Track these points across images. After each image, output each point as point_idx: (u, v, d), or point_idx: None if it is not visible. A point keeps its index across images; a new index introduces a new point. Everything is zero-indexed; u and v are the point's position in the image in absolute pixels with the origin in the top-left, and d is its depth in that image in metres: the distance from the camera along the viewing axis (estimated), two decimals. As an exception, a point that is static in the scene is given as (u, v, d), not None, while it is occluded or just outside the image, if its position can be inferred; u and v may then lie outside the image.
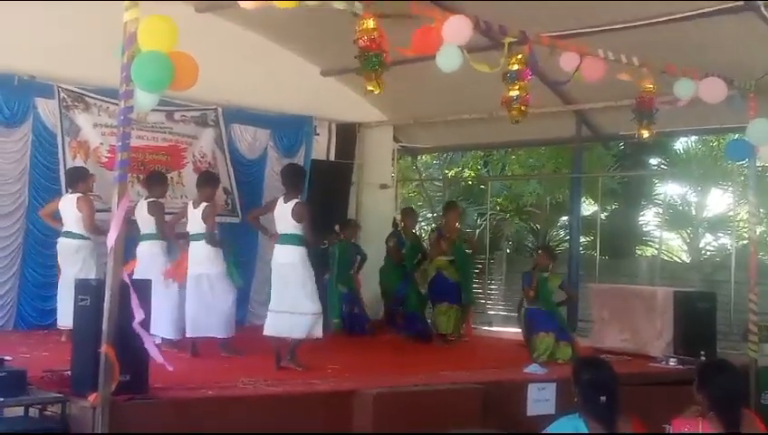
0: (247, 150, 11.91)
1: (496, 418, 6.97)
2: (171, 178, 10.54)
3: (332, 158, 12.96)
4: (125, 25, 5.41)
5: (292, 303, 7.86)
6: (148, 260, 8.81)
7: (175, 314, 8.65)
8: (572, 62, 7.44)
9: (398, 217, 11.85)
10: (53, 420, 5.83)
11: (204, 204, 8.68)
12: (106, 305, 5.38)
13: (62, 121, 10.14)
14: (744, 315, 9.37)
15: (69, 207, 9.11)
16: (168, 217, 9.21)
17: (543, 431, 4.57)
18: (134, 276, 8.15)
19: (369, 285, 11.50)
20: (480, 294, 15.54)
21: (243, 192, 11.58)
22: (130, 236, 8.13)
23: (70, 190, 9.27)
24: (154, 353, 5.73)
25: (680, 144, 19.40)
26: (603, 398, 4.48)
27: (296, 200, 8.05)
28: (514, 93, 7.35)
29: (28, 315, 10.10)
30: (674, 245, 20.00)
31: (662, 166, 19.36)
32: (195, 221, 8.68)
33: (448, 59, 6.71)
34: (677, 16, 9.16)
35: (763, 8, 8.71)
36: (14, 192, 10.08)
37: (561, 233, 19.39)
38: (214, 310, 8.54)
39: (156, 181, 9.35)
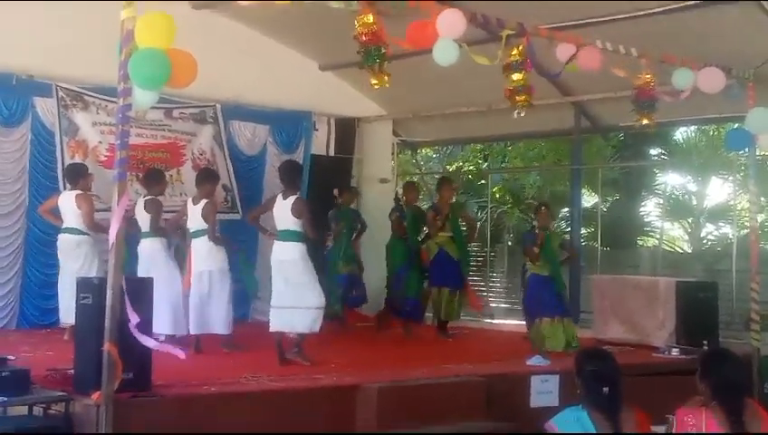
0: (247, 146, 11.91)
1: (500, 410, 6.99)
2: (170, 175, 10.54)
3: (332, 153, 12.96)
4: (122, 23, 5.41)
5: (296, 298, 7.87)
6: (150, 258, 8.84)
7: (177, 310, 8.66)
8: (569, 54, 7.44)
9: (400, 192, 11.83)
10: (57, 418, 5.85)
11: (204, 201, 8.69)
12: (108, 303, 5.38)
13: (61, 121, 10.14)
14: (746, 304, 9.36)
15: (68, 204, 9.11)
16: (168, 216, 9.22)
17: (547, 423, 4.57)
18: (137, 274, 8.34)
19: (372, 281, 11.47)
20: (482, 286, 15.54)
21: (243, 188, 11.57)
22: (131, 235, 8.17)
23: (69, 187, 9.27)
24: (160, 348, 5.70)
25: (680, 134, 19.38)
26: (606, 389, 4.48)
27: (295, 196, 8.04)
28: (519, 83, 7.36)
29: (30, 314, 10.11)
30: (675, 235, 20.00)
31: (662, 156, 19.35)
32: (195, 218, 8.68)
33: (444, 53, 6.71)
34: (675, 6, 9.16)
35: (762, -1, 8.72)
36: (13, 192, 10.10)
37: (563, 224, 19.39)
38: (214, 306, 8.55)
39: (154, 179, 9.35)
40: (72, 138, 10.21)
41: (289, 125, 12.30)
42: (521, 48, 7.28)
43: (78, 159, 10.01)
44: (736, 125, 9.74)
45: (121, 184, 5.51)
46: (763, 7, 8.90)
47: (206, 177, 9.10)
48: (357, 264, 11.21)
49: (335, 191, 11.19)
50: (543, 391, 7.46)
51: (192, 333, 8.54)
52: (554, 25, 8.61)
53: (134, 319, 5.41)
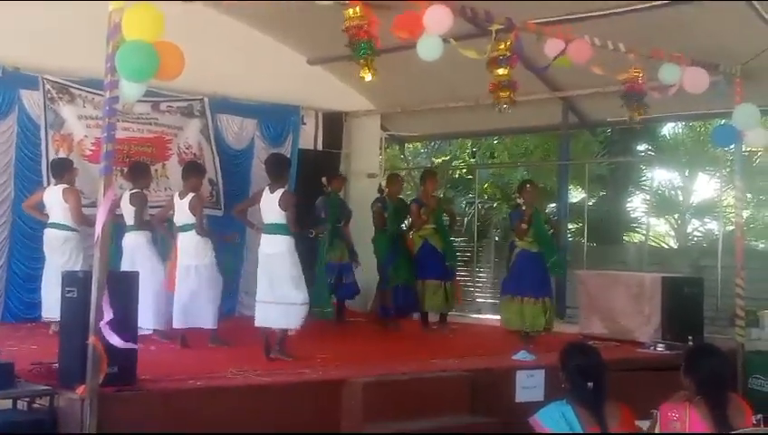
0: (234, 140, 11.88)
1: (485, 405, 7.00)
2: (155, 170, 10.53)
3: (320, 147, 12.93)
4: (109, 15, 5.39)
5: (280, 293, 7.85)
6: (134, 251, 8.82)
7: (161, 304, 8.64)
8: (557, 49, 7.44)
9: (383, 184, 11.81)
10: (42, 412, 5.82)
11: (191, 194, 8.66)
12: (93, 297, 5.36)
13: (46, 114, 10.09)
14: (732, 300, 9.41)
15: (55, 198, 9.07)
16: (153, 211, 9.19)
17: (531, 417, 4.58)
18: (120, 268, 8.31)
19: (361, 276, 11.46)
20: (468, 281, 15.56)
21: (230, 182, 11.57)
22: (117, 229, 8.13)
23: (55, 181, 9.23)
24: (125, 346, 5.58)
25: (667, 130, 19.46)
26: (590, 384, 4.51)
27: (282, 189, 8.03)
28: (504, 78, 7.36)
29: (15, 308, 10.07)
30: (661, 231, 20.08)
31: (649, 152, 19.39)
32: (182, 212, 8.65)
33: (428, 49, 6.71)
34: (662, 3, 9.17)
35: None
36: (-1, 185, 10.06)
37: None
38: (201, 301, 8.53)
39: (139, 172, 9.31)
40: (57, 131, 10.16)
41: (277, 119, 12.27)
42: (508, 43, 7.28)
43: (63, 154, 9.96)
44: (723, 121, 9.77)
45: (107, 178, 5.48)
46: (752, 5, 8.92)
47: (193, 170, 9.08)
48: (348, 251, 11.16)
49: (323, 179, 11.17)
50: (529, 385, 7.47)
51: (176, 327, 8.52)
52: (543, 20, 8.61)
53: (108, 316, 5.36)
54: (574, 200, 17.46)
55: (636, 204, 19.97)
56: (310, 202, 10.83)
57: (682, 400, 4.64)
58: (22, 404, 5.96)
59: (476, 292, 15.80)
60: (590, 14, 9.46)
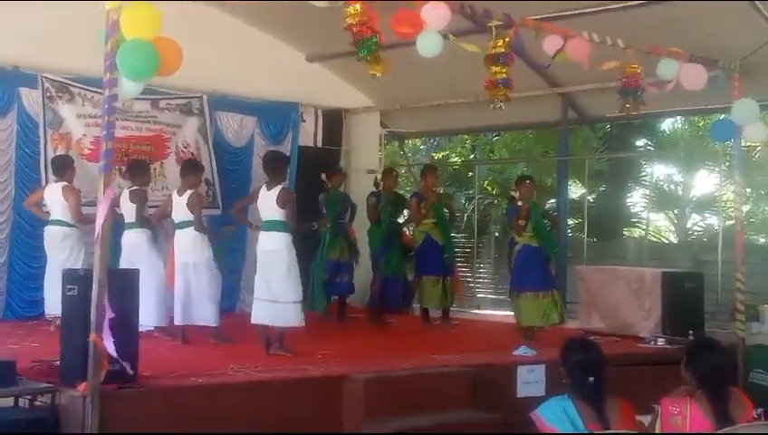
0: (234, 138, 11.89)
1: (486, 400, 7.01)
2: (153, 169, 10.50)
3: (320, 144, 12.94)
4: (108, 13, 5.39)
5: (277, 291, 7.86)
6: (134, 249, 8.83)
7: (162, 301, 8.65)
8: (556, 46, 7.43)
9: (379, 178, 11.82)
10: (43, 409, 5.84)
11: (189, 191, 8.66)
12: (94, 295, 5.37)
13: (45, 113, 10.09)
14: (732, 295, 9.41)
15: (55, 196, 9.09)
16: (151, 211, 9.19)
17: (533, 412, 4.59)
18: (120, 266, 8.33)
19: (359, 273, 11.46)
20: (469, 277, 15.56)
21: (230, 180, 11.58)
22: (116, 227, 8.13)
23: (56, 179, 9.24)
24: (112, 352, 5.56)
25: (666, 125, 19.45)
26: (591, 379, 4.52)
27: (280, 187, 8.03)
28: (501, 77, 7.36)
29: (17, 306, 10.08)
30: (661, 226, 20.07)
31: (648, 147, 19.39)
32: (180, 209, 8.65)
33: (428, 45, 6.71)
34: (662, -2, 9.19)
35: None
36: (-1, 183, 10.06)
37: (549, 216, 19.43)
38: (201, 298, 8.54)
39: (138, 170, 9.32)
40: (56, 130, 10.15)
41: (276, 116, 12.27)
42: (507, 39, 7.28)
43: (61, 152, 9.96)
44: (722, 116, 9.77)
45: (107, 176, 5.49)
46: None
47: (191, 167, 9.07)
48: (349, 249, 11.15)
49: (323, 176, 11.17)
50: (530, 381, 7.48)
51: (177, 324, 8.53)
52: (541, 16, 8.61)
53: (109, 314, 5.37)
54: (574, 196, 17.47)
55: (635, 199, 19.97)
56: (310, 199, 10.84)
57: (683, 394, 4.65)
58: (23, 402, 5.97)
59: (477, 288, 15.80)
60: (588, 11, 9.46)
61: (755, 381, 8.68)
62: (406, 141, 17.08)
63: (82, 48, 7.74)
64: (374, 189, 11.42)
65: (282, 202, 7.92)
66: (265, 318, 7.90)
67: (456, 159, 21.20)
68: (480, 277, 16.27)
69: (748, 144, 10.50)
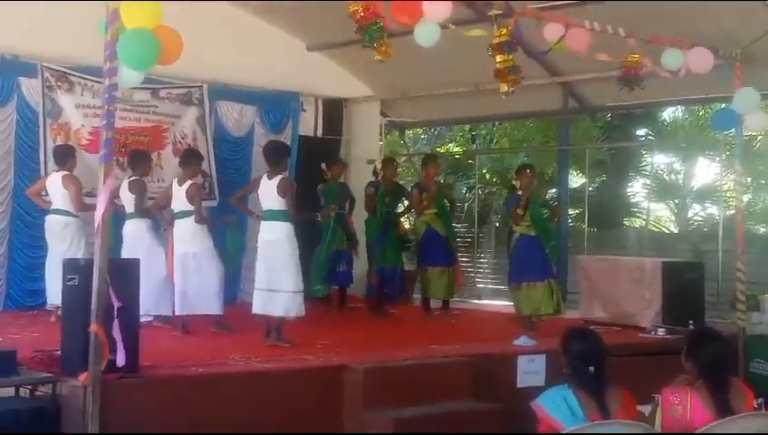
0: (234, 127, 11.88)
1: (486, 390, 7.01)
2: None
3: (320, 133, 12.93)
4: (107, 2, 5.37)
5: (276, 281, 7.85)
6: (134, 239, 8.84)
7: (162, 291, 8.65)
8: (557, 34, 7.42)
9: (379, 167, 11.80)
10: (44, 399, 5.84)
11: (189, 181, 8.65)
12: (95, 284, 5.37)
13: (45, 102, 10.07)
14: (732, 284, 9.41)
15: (56, 185, 9.10)
16: (149, 203, 9.18)
17: (533, 402, 4.59)
18: (121, 256, 8.32)
19: (359, 263, 11.46)
20: (469, 267, 15.57)
21: (230, 170, 11.59)
22: (116, 218, 8.12)
23: (57, 168, 9.24)
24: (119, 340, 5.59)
25: (667, 114, 19.45)
26: (592, 368, 4.51)
27: (281, 176, 8.02)
28: (508, 63, 7.36)
29: (17, 296, 10.08)
30: (662, 215, 20.08)
31: (649, 137, 19.39)
32: (179, 199, 8.64)
33: (426, 35, 6.70)
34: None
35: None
36: (-1, 173, 10.05)
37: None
38: (203, 287, 8.54)
39: (139, 159, 9.32)
40: (55, 120, 10.13)
41: (276, 106, 12.26)
42: (509, 28, 7.27)
43: (60, 142, 9.95)
44: (723, 105, 9.75)
45: (107, 165, 5.48)
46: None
47: (191, 157, 9.06)
48: (347, 239, 11.15)
49: (323, 166, 11.16)
50: (530, 370, 7.48)
51: (178, 314, 8.53)
52: (542, 5, 8.59)
53: (116, 303, 5.37)
54: (574, 185, 17.47)
55: (636, 189, 19.99)
56: (310, 189, 10.83)
57: (683, 384, 4.65)
58: (24, 392, 5.98)
59: (477, 277, 15.82)
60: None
61: (756, 371, 8.69)
62: (406, 131, 17.07)
63: (82, 37, 7.69)
64: (373, 179, 11.40)
65: (282, 191, 7.91)
66: (266, 308, 7.90)
67: (457, 149, 21.16)
68: (480, 267, 16.28)
69: (749, 134, 10.49)
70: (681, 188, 18.98)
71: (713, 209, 18.29)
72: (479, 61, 7.77)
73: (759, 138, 16.18)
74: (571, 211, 15.72)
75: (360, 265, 11.37)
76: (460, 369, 7.13)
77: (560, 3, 9.31)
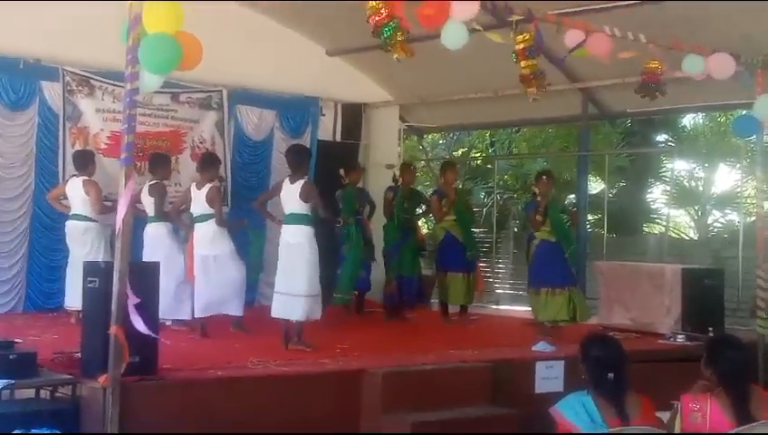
0: (254, 132, 11.92)
1: (505, 396, 7.00)
2: (170, 163, 10.54)
3: (339, 138, 12.94)
4: (129, 7, 5.41)
5: (296, 285, 7.87)
6: (155, 242, 8.87)
7: (182, 294, 8.68)
8: (577, 40, 7.40)
9: (398, 173, 11.80)
10: (64, 401, 5.88)
11: (208, 185, 8.69)
12: (115, 287, 5.40)
13: (65, 106, 10.15)
14: (753, 292, 9.35)
15: (76, 190, 9.15)
16: (169, 207, 9.23)
17: (552, 408, 4.58)
18: (142, 259, 8.36)
19: (379, 270, 11.46)
20: (488, 272, 15.54)
21: (249, 174, 11.64)
22: (137, 220, 8.16)
23: (77, 173, 9.30)
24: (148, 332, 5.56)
25: (687, 121, 19.36)
26: (611, 375, 4.50)
27: (303, 180, 8.05)
28: (534, 68, 7.37)
29: (36, 298, 10.15)
30: (681, 222, 19.97)
31: (669, 143, 19.29)
32: (199, 203, 8.68)
33: (453, 36, 6.68)
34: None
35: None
36: (20, 175, 10.11)
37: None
38: (224, 289, 8.57)
39: (159, 163, 9.37)
40: (74, 124, 10.22)
41: (296, 110, 12.29)
42: (531, 33, 7.27)
43: (78, 147, 10.02)
44: (744, 112, 9.71)
45: (128, 168, 5.51)
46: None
47: (209, 161, 9.11)
48: (366, 245, 11.15)
49: (341, 171, 11.18)
50: (548, 376, 7.46)
51: (197, 316, 8.56)
52: (562, 11, 8.57)
53: (133, 300, 5.40)
54: (594, 191, 17.41)
55: (656, 195, 19.88)
56: (329, 194, 10.84)
57: (703, 390, 4.63)
58: (44, 393, 6.02)
59: (496, 283, 15.78)
60: (609, 5, 9.41)
61: (776, 379, 8.62)
62: (425, 136, 17.06)
63: (104, 41, 7.76)
64: (392, 184, 11.41)
65: (305, 196, 7.94)
66: (285, 312, 7.92)
67: (476, 154, 21.13)
68: (499, 272, 16.25)
69: (770, 140, 10.40)
70: (701, 195, 18.87)
71: (733, 216, 18.17)
72: (498, 66, 7.78)
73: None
74: (590, 217, 15.67)
75: (378, 270, 11.36)
76: (478, 374, 7.12)
77: (580, 9, 9.28)
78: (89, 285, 5.97)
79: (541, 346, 8.18)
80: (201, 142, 11.17)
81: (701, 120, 19.16)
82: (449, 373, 7.07)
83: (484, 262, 15.13)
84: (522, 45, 7.27)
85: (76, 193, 9.15)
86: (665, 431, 4.55)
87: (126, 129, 5.52)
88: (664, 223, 17.80)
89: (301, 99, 12.28)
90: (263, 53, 11.50)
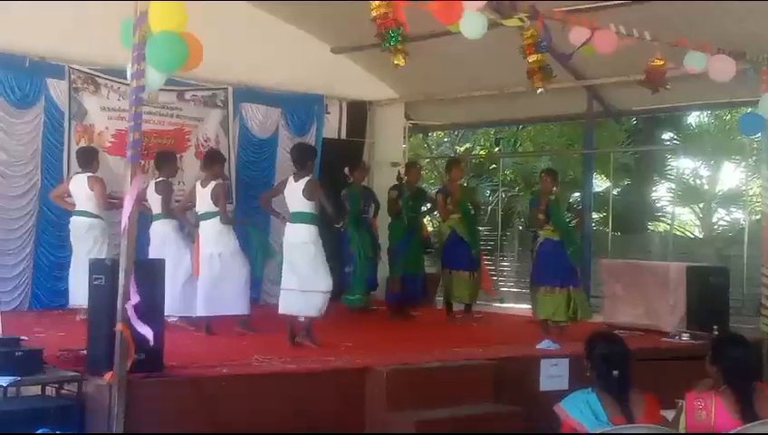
0: (258, 130, 11.93)
1: (509, 393, 7.00)
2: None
3: (344, 136, 12.95)
4: (135, 5, 5.42)
5: (304, 281, 7.88)
6: (161, 240, 8.88)
7: (188, 292, 8.69)
8: (582, 37, 7.42)
9: (403, 171, 11.81)
10: (70, 398, 5.89)
11: (213, 182, 8.68)
12: (120, 284, 5.41)
13: (71, 104, 10.17)
14: (757, 290, 9.36)
15: (81, 187, 9.16)
16: (175, 205, 9.24)
17: (556, 405, 4.59)
18: (148, 256, 8.38)
19: (385, 268, 11.47)
20: (492, 270, 15.53)
21: (254, 171, 11.65)
22: (143, 217, 8.19)
23: (81, 170, 9.31)
24: (147, 334, 5.56)
25: (692, 118, 19.32)
26: (616, 372, 4.51)
27: (308, 178, 8.05)
28: (540, 63, 7.40)
29: (42, 296, 10.18)
30: (686, 220, 19.96)
31: (674, 141, 19.28)
32: (204, 200, 8.68)
33: (472, 25, 6.67)
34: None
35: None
36: (26, 173, 10.14)
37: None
38: (230, 288, 8.57)
39: (165, 160, 9.36)
40: (79, 122, 10.25)
41: (301, 108, 12.30)
42: (538, 30, 7.29)
43: (84, 144, 10.04)
44: (749, 109, 9.70)
45: (134, 165, 5.52)
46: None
47: (214, 158, 9.09)
48: (372, 244, 11.15)
49: (346, 170, 11.18)
50: (553, 374, 7.46)
51: (202, 314, 8.57)
52: (568, 9, 8.57)
53: (134, 299, 5.41)
54: (599, 189, 17.40)
55: (661, 193, 19.87)
56: (333, 191, 10.83)
57: (708, 389, 4.64)
58: (50, 390, 6.04)
59: (500, 281, 15.78)
60: (614, 3, 9.41)
61: (781, 377, 8.62)
62: (430, 134, 17.06)
63: (109, 39, 7.73)
64: (396, 183, 11.42)
65: (309, 194, 7.94)
66: (293, 308, 7.93)
67: (481, 152, 21.13)
68: (503, 270, 16.25)
69: (776, 138, 10.39)
70: (706, 193, 18.86)
71: (738, 214, 18.14)
72: (503, 64, 7.80)
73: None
74: (594, 215, 15.69)
75: (382, 268, 11.37)
76: (483, 372, 7.12)
77: (585, 6, 9.28)
78: (95, 283, 5.97)
79: (545, 344, 8.17)
80: (206, 140, 11.19)
81: (706, 118, 19.13)
82: (454, 371, 7.07)
83: (488, 260, 15.14)
84: (529, 41, 7.29)
85: (80, 190, 9.16)
86: (670, 429, 4.55)
87: (132, 126, 5.52)
88: (669, 221, 17.82)
89: (306, 97, 12.29)
90: (267, 51, 11.51)
